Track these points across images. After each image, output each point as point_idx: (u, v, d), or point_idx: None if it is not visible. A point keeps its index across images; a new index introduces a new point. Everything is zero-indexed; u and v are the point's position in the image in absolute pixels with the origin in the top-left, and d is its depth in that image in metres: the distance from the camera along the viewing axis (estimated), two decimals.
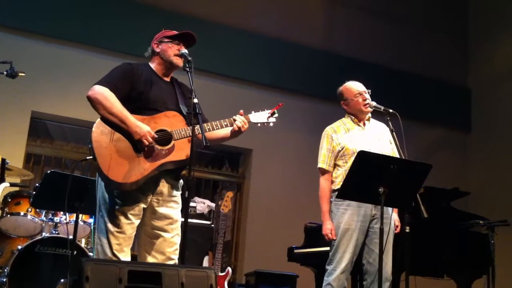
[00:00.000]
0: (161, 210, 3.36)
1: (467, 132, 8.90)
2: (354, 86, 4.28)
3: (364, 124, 4.26)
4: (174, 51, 3.48)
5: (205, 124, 3.38)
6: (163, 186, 3.36)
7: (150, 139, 3.23)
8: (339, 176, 4.13)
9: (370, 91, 4.27)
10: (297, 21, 7.96)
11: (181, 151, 3.30)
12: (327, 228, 4.09)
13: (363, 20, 8.36)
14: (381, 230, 3.57)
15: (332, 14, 8.29)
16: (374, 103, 4.16)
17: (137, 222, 3.32)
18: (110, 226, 3.27)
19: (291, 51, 7.76)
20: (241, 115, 3.52)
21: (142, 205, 3.31)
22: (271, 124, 3.63)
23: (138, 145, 3.24)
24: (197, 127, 3.22)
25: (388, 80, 8.06)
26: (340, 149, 4.16)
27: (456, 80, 8.94)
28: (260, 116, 3.61)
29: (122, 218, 3.27)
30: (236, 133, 3.55)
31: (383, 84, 7.80)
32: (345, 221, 4.02)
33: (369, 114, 4.30)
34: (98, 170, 3.24)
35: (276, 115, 3.62)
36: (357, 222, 4.00)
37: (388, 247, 3.95)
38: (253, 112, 3.60)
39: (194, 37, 3.52)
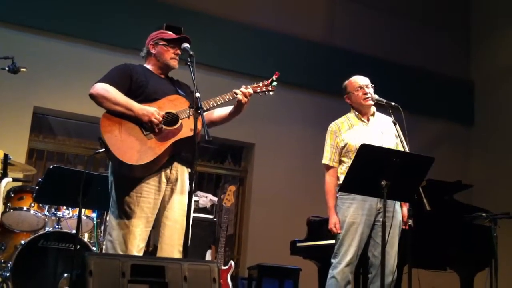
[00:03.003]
0: (176, 199, 3.39)
1: (469, 125, 8.89)
2: (357, 80, 4.28)
3: (368, 119, 4.25)
4: (170, 55, 3.56)
5: (208, 101, 3.42)
6: (177, 174, 3.40)
7: (159, 117, 3.27)
8: (344, 171, 4.14)
9: (373, 85, 4.26)
10: (297, 14, 7.94)
11: (189, 128, 3.31)
12: (332, 222, 4.10)
13: (365, 13, 8.34)
14: (384, 223, 3.57)
15: (333, 7, 8.27)
16: (376, 97, 4.16)
17: (152, 216, 3.34)
18: (122, 221, 3.29)
19: (292, 44, 7.75)
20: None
21: (157, 196, 3.34)
22: (271, 93, 3.67)
23: (148, 128, 3.29)
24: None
25: (390, 74, 8.04)
26: (344, 145, 4.16)
27: (459, 74, 8.92)
28: (259, 87, 3.65)
29: (137, 212, 3.28)
30: (238, 108, 3.57)
31: (386, 77, 7.79)
32: (350, 215, 4.03)
33: (374, 109, 4.29)
34: (111, 159, 3.27)
35: (275, 83, 3.66)
36: (362, 216, 4.00)
37: (393, 241, 3.95)
38: (253, 83, 3.65)
39: (190, 40, 3.55)
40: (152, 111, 3.28)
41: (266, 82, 3.66)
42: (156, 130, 3.29)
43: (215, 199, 6.69)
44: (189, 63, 3.35)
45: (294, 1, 7.96)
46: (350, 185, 3.73)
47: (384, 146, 4.00)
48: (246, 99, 3.52)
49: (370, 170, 3.55)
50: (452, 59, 8.91)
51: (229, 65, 7.34)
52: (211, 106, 3.46)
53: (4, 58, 4.44)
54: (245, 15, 7.56)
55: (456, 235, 4.73)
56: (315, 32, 8.01)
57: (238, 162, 7.86)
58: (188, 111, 3.35)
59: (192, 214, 3.22)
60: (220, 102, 3.50)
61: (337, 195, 4.15)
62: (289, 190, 7.38)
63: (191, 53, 3.37)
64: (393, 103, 4.03)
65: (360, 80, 4.27)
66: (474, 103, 8.93)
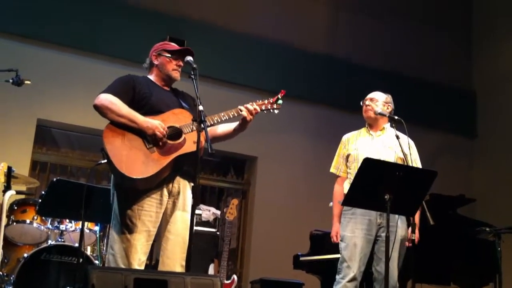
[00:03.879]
0: (178, 213, 3.38)
1: (472, 137, 8.85)
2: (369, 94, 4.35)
3: (376, 132, 4.27)
4: (172, 66, 3.56)
5: (212, 116, 3.42)
6: (179, 188, 3.40)
7: (163, 131, 3.28)
8: (347, 183, 4.19)
9: (388, 103, 4.27)
10: (300, 26, 7.95)
11: (192, 142, 3.31)
12: (334, 230, 4.19)
13: (366, 24, 8.34)
14: (387, 238, 3.56)
15: (335, 19, 8.28)
16: (379, 110, 4.18)
17: (154, 229, 3.34)
18: (124, 235, 3.28)
19: (294, 56, 7.76)
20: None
21: (159, 210, 3.34)
22: (276, 111, 3.64)
23: (151, 141, 3.29)
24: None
25: (392, 85, 7.97)
26: (347, 155, 4.24)
27: (461, 84, 8.89)
28: (264, 104, 3.62)
29: (138, 225, 3.28)
30: (242, 125, 3.56)
31: (387, 89, 7.75)
32: (349, 230, 4.05)
33: (386, 124, 4.30)
34: (113, 171, 3.26)
35: (280, 101, 3.63)
36: (361, 231, 4.01)
37: (394, 255, 3.94)
38: (258, 100, 3.62)
39: (192, 52, 3.56)
40: (157, 124, 3.28)
41: (271, 100, 3.64)
42: (160, 143, 3.29)
43: (218, 212, 6.68)
44: (192, 76, 3.34)
45: (296, 12, 7.98)
46: (353, 199, 3.73)
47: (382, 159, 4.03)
48: (251, 116, 3.52)
49: (374, 184, 3.54)
50: (454, 69, 8.88)
51: (231, 77, 7.35)
52: (215, 121, 3.45)
53: (8, 70, 4.47)
54: (247, 26, 7.57)
55: (460, 250, 4.72)
56: (318, 44, 8.02)
57: (240, 175, 7.85)
58: (191, 126, 3.36)
59: (195, 228, 3.21)
60: (225, 118, 3.49)
61: (342, 210, 4.18)
62: (292, 203, 7.37)
63: (194, 66, 3.37)
64: (396, 117, 4.04)
65: (369, 95, 4.35)
66: (477, 114, 8.89)
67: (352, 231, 4.02)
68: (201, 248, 6.05)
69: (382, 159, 4.02)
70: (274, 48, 7.67)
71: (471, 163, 8.76)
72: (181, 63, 3.57)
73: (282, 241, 6.86)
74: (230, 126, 3.63)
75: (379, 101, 4.27)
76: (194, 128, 3.31)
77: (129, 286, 2.60)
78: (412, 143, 4.19)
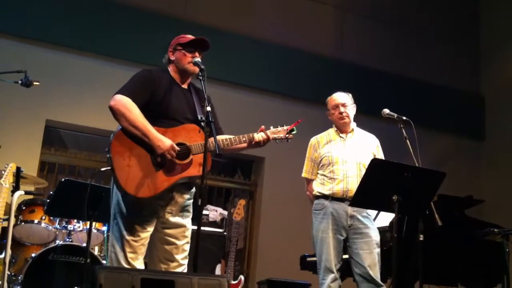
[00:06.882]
0: (174, 219, 3.37)
1: (480, 140, 8.84)
2: (334, 98, 4.41)
3: (346, 135, 4.34)
4: (188, 59, 3.45)
5: (224, 139, 3.41)
6: (177, 196, 3.38)
7: (173, 153, 3.24)
8: (317, 184, 4.33)
9: (349, 103, 4.32)
10: (308, 29, 7.96)
11: (197, 166, 3.30)
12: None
13: (375, 28, 8.35)
14: (395, 238, 3.56)
15: (343, 22, 8.29)
16: (387, 111, 4.18)
17: (150, 230, 3.34)
18: (124, 234, 3.28)
19: (303, 59, 7.76)
20: (262, 131, 3.55)
21: (156, 214, 3.33)
22: (289, 141, 3.66)
23: (158, 159, 3.25)
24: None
25: (401, 88, 8.04)
26: (320, 159, 4.32)
27: (469, 88, 8.89)
28: (278, 132, 3.62)
29: (136, 226, 3.28)
30: (255, 146, 3.57)
31: (396, 92, 7.79)
32: (321, 230, 4.14)
33: (354, 125, 4.38)
34: (115, 182, 3.25)
35: (295, 132, 3.63)
36: (331, 231, 4.09)
37: (373, 256, 4.00)
38: (271, 127, 3.60)
39: (207, 42, 3.50)
40: (168, 146, 3.22)
41: (286, 128, 3.62)
42: (167, 163, 3.26)
43: (225, 213, 6.68)
44: (200, 77, 3.33)
45: (304, 16, 7.98)
46: (361, 200, 3.72)
47: (356, 162, 4.15)
48: (263, 144, 3.53)
49: (382, 185, 3.54)
50: (462, 73, 8.88)
51: (239, 79, 7.37)
52: (226, 145, 3.42)
53: (17, 71, 4.48)
54: (256, 30, 7.59)
55: (468, 251, 4.69)
56: (324, 47, 8.03)
57: (248, 176, 7.85)
58: (201, 147, 3.31)
59: (202, 228, 3.21)
60: (236, 143, 3.47)
61: (312, 209, 4.32)
62: (299, 204, 7.30)
63: (202, 67, 3.35)
64: (404, 118, 4.04)
65: (337, 99, 4.39)
66: (485, 117, 8.89)
67: (325, 231, 4.11)
68: (208, 248, 6.06)
69: (358, 160, 4.16)
70: (282, 50, 7.68)
71: (479, 165, 8.75)
72: (197, 55, 3.46)
73: (289, 242, 6.86)
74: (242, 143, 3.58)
75: (349, 105, 4.31)
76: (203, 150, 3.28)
77: (136, 286, 2.61)
78: (378, 143, 4.32)
